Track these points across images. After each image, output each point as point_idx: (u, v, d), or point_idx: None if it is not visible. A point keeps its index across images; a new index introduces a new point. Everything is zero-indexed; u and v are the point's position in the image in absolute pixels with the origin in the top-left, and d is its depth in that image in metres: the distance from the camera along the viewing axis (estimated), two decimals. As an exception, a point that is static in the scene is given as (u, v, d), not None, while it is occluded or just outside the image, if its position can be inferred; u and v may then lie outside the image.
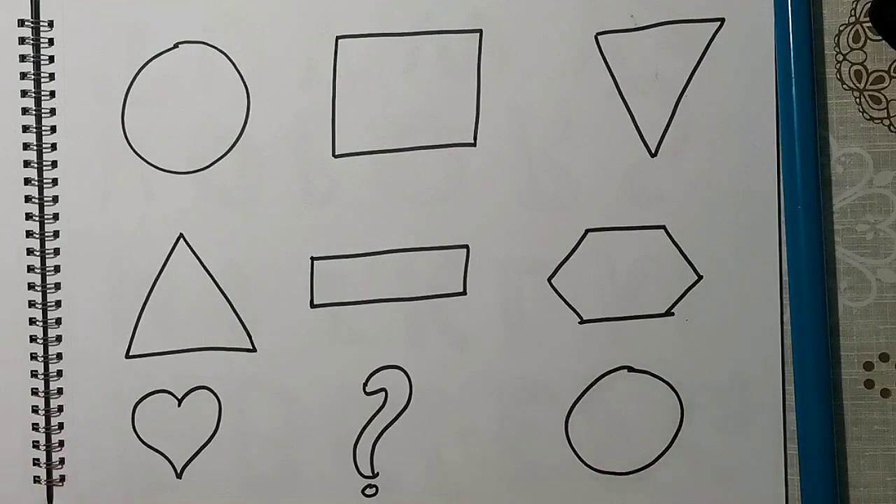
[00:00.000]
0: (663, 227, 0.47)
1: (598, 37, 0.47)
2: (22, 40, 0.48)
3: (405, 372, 0.47)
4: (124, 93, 0.48)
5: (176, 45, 0.47)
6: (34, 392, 0.48)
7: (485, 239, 0.47)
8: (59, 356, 0.48)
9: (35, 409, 0.48)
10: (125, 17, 0.47)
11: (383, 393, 0.47)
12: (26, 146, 0.48)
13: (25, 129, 0.48)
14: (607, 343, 0.47)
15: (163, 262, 0.48)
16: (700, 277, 0.46)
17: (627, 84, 0.47)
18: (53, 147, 0.48)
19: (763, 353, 0.46)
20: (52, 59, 0.48)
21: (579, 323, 0.47)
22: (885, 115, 0.46)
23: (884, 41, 0.46)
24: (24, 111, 0.48)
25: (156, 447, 0.48)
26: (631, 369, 0.47)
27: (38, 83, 0.48)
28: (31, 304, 0.48)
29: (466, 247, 0.47)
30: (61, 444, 0.48)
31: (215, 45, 0.47)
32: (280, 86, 0.47)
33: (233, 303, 0.48)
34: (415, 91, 0.47)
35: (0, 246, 0.48)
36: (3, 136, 0.48)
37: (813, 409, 0.44)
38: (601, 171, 0.47)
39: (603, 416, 0.47)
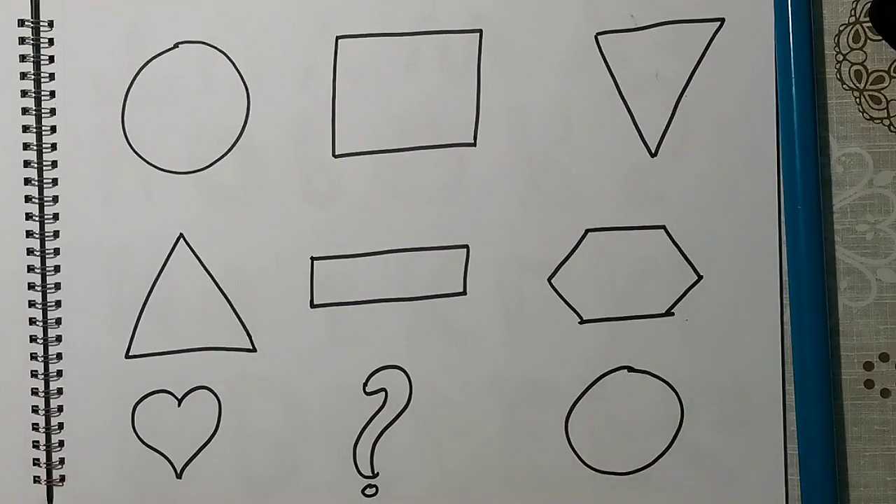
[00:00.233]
0: (663, 227, 0.47)
1: (598, 37, 0.47)
2: (22, 40, 0.48)
3: (405, 372, 0.47)
4: (124, 93, 0.48)
5: (176, 45, 0.47)
6: (34, 392, 0.48)
7: (485, 239, 0.47)
8: (59, 356, 0.48)
9: (35, 409, 0.48)
10: (125, 17, 0.47)
11: (383, 393, 0.47)
12: (26, 146, 0.48)
13: (25, 129, 0.48)
14: (607, 343, 0.47)
15: (163, 262, 0.48)
16: (700, 277, 0.46)
17: (627, 84, 0.47)
18: (53, 147, 0.48)
19: (763, 353, 0.46)
20: (52, 59, 0.48)
21: (579, 323, 0.47)
22: (885, 115, 0.46)
23: (884, 41, 0.46)
24: (24, 111, 0.48)
25: (156, 447, 0.48)
26: (631, 369, 0.47)
27: (38, 83, 0.48)
28: (31, 304, 0.48)
29: (466, 247, 0.47)
30: (61, 444, 0.48)
31: (215, 45, 0.47)
32: (280, 86, 0.47)
33: (233, 303, 0.48)
34: (415, 91, 0.47)
35: (0, 246, 0.48)
36: (3, 136, 0.48)
37: (813, 409, 0.44)
38: (601, 171, 0.47)
39: (603, 416, 0.47)
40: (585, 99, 0.47)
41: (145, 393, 0.48)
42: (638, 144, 0.47)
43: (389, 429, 0.47)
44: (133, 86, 0.48)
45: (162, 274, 0.48)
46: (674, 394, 0.47)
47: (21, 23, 0.48)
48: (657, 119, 0.47)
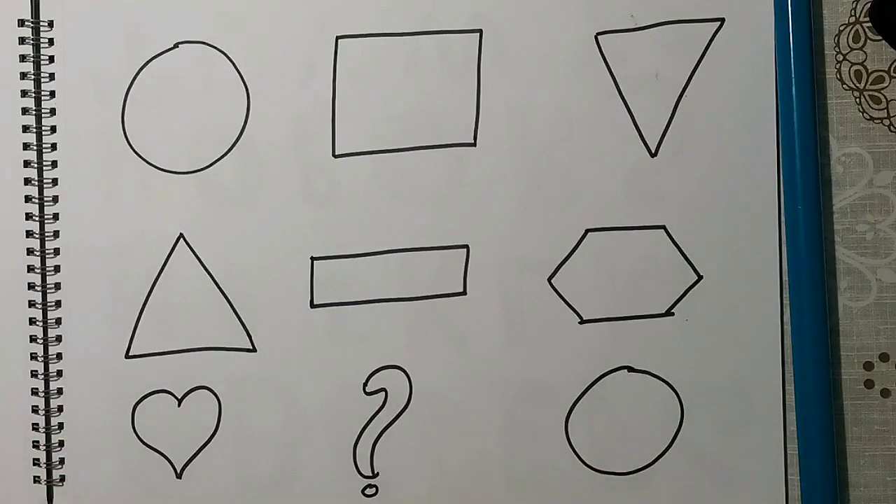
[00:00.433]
0: (663, 227, 0.47)
1: (598, 37, 0.47)
2: (22, 40, 0.48)
3: (405, 372, 0.47)
4: (124, 93, 0.48)
5: (176, 45, 0.47)
6: (34, 392, 0.48)
7: (485, 239, 0.47)
8: (59, 356, 0.48)
9: (35, 409, 0.48)
10: (125, 17, 0.47)
11: (383, 393, 0.47)
12: (26, 146, 0.48)
13: (25, 129, 0.48)
14: (607, 343, 0.47)
15: (163, 262, 0.48)
16: (700, 277, 0.46)
17: (627, 84, 0.47)
18: (53, 147, 0.48)
19: (763, 353, 0.46)
20: (52, 59, 0.48)
21: (579, 323, 0.47)
22: (885, 115, 0.46)
23: (884, 41, 0.46)
24: (24, 111, 0.48)
25: (156, 447, 0.48)
26: (631, 369, 0.47)
27: (38, 83, 0.48)
28: (31, 304, 0.48)
29: (466, 247, 0.47)
30: (61, 444, 0.48)
31: (215, 45, 0.47)
32: (280, 86, 0.47)
33: (233, 303, 0.48)
34: (415, 91, 0.47)
35: (0, 246, 0.48)
36: (3, 136, 0.48)
37: (813, 409, 0.44)
38: (601, 171, 0.47)
39: (603, 416, 0.47)
40: (585, 99, 0.47)
41: (145, 393, 0.48)
42: (638, 144, 0.47)
43: (389, 429, 0.47)
44: (133, 86, 0.48)
45: (162, 274, 0.48)
46: (674, 394, 0.47)
47: (21, 23, 0.48)
48: (657, 119, 0.47)
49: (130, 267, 0.48)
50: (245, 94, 0.47)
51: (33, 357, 0.48)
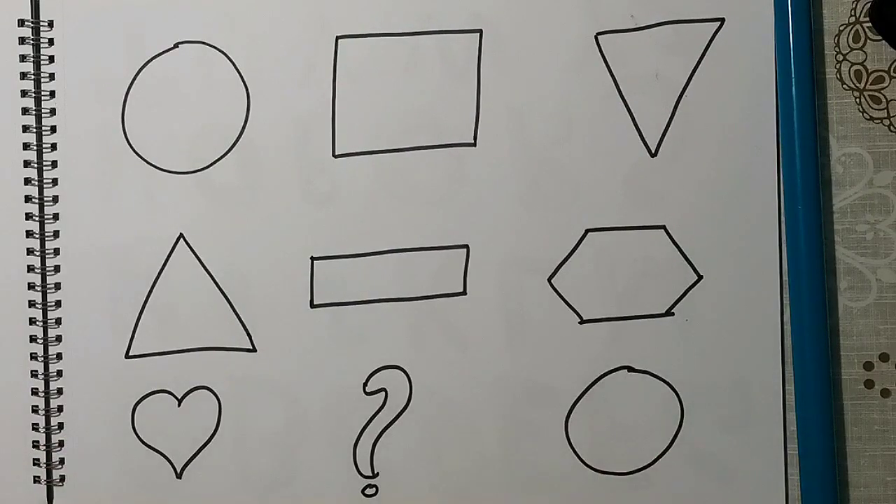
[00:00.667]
0: (663, 227, 0.47)
1: (598, 37, 0.47)
2: (22, 40, 0.48)
3: (405, 372, 0.47)
4: (124, 93, 0.48)
5: (176, 45, 0.47)
6: (34, 392, 0.48)
7: (485, 239, 0.47)
8: (59, 356, 0.48)
9: (35, 409, 0.48)
10: (125, 17, 0.47)
11: (383, 393, 0.47)
12: (26, 146, 0.48)
13: (25, 129, 0.48)
14: (607, 343, 0.47)
15: (163, 262, 0.48)
16: (700, 277, 0.46)
17: (627, 84, 0.47)
18: (53, 147, 0.48)
19: (763, 353, 0.46)
20: (52, 59, 0.48)
21: (579, 323, 0.47)
22: (885, 115, 0.46)
23: (884, 41, 0.46)
24: (24, 111, 0.48)
25: (155, 447, 0.48)
26: (631, 369, 0.47)
27: (38, 83, 0.48)
28: (31, 304, 0.48)
29: (466, 247, 0.47)
30: (61, 444, 0.48)
31: (215, 45, 0.47)
32: (280, 86, 0.47)
33: (233, 303, 0.48)
34: (415, 91, 0.47)
35: (0, 246, 0.48)
36: (3, 136, 0.48)
37: (813, 409, 0.44)
38: (601, 171, 0.47)
39: (603, 417, 0.47)
40: (585, 99, 0.47)
41: (145, 393, 0.48)
42: (638, 144, 0.47)
43: (389, 429, 0.47)
44: (133, 86, 0.48)
45: (162, 274, 0.48)
46: (674, 394, 0.47)
47: (21, 23, 0.48)
48: (657, 119, 0.47)
49: (130, 267, 0.48)
50: (245, 94, 0.47)
51: (33, 357, 0.48)
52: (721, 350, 0.46)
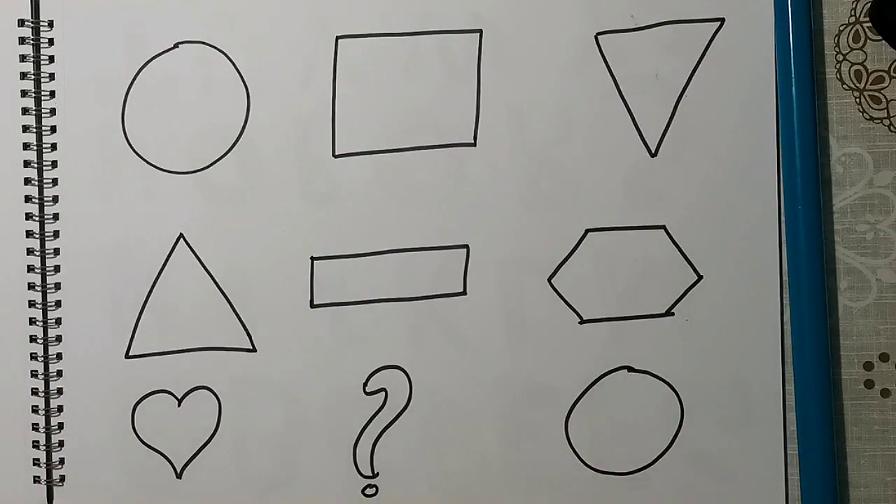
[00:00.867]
0: (663, 227, 0.47)
1: (598, 37, 0.47)
2: (22, 40, 0.48)
3: (405, 372, 0.47)
4: (124, 93, 0.48)
5: (176, 45, 0.47)
6: (34, 392, 0.48)
7: (485, 239, 0.47)
8: (59, 356, 0.48)
9: (35, 409, 0.48)
10: (125, 17, 0.47)
11: (383, 393, 0.47)
12: (26, 146, 0.48)
13: (25, 129, 0.48)
14: (607, 343, 0.47)
15: (163, 262, 0.48)
16: (700, 277, 0.46)
17: (627, 84, 0.47)
18: (53, 147, 0.48)
19: (763, 353, 0.46)
20: (52, 59, 0.48)
21: (579, 323, 0.47)
22: (885, 115, 0.46)
23: (884, 41, 0.46)
24: (24, 111, 0.48)
25: (155, 447, 0.48)
26: (631, 369, 0.47)
27: (38, 83, 0.48)
28: (31, 304, 0.48)
29: (466, 247, 0.47)
30: (61, 444, 0.48)
31: (215, 45, 0.47)
32: (280, 86, 0.47)
33: (233, 303, 0.48)
34: (415, 91, 0.47)
35: (0, 246, 0.48)
36: (3, 136, 0.48)
37: (813, 409, 0.44)
38: (601, 171, 0.47)
39: (603, 417, 0.47)
40: (585, 99, 0.47)
41: (145, 393, 0.48)
42: (638, 144, 0.47)
43: (389, 429, 0.47)
44: (133, 86, 0.48)
45: (162, 274, 0.48)
46: (674, 394, 0.47)
47: (21, 23, 0.48)
48: (657, 119, 0.47)
49: (130, 267, 0.48)
50: (245, 94, 0.47)
51: (33, 357, 0.48)
52: (721, 350, 0.46)
